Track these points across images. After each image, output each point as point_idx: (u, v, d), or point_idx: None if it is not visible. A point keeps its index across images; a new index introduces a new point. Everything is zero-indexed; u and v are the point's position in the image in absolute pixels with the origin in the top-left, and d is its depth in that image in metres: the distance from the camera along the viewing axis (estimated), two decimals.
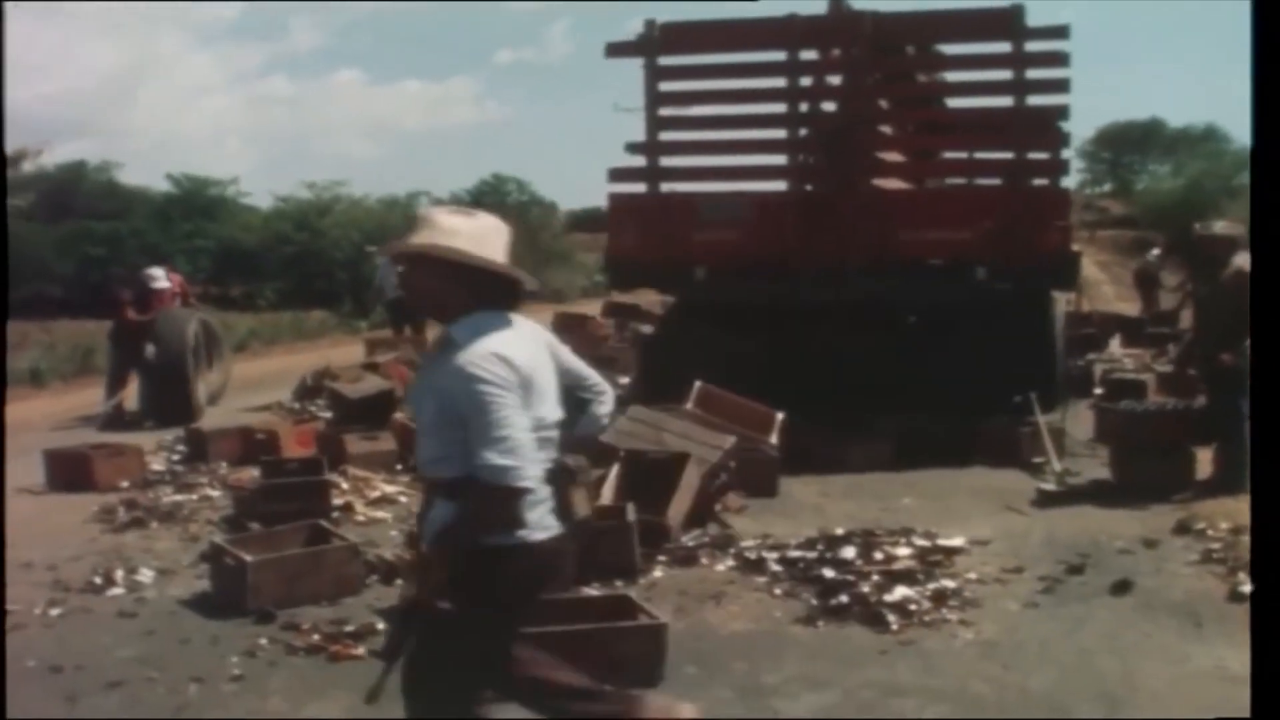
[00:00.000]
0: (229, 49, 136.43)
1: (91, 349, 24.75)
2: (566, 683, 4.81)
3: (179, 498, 11.19)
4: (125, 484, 11.76)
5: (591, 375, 4.90)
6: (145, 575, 8.70)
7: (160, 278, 17.93)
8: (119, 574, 8.69)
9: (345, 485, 10.82)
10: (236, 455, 12.63)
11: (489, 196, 54.73)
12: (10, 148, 22.55)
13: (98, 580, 8.57)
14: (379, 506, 10.54)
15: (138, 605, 8.08)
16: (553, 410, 4.55)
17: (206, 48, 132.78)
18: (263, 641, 7.18)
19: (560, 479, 4.54)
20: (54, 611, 7.96)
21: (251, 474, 11.43)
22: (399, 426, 12.57)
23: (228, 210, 51.31)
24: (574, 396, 4.79)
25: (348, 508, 10.28)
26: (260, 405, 16.38)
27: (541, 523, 4.46)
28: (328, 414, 14.57)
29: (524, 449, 4.29)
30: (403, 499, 10.73)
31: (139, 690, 6.57)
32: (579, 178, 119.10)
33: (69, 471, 11.98)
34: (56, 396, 20.79)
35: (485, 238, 4.51)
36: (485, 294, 4.49)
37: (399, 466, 11.82)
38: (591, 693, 4.84)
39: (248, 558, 7.83)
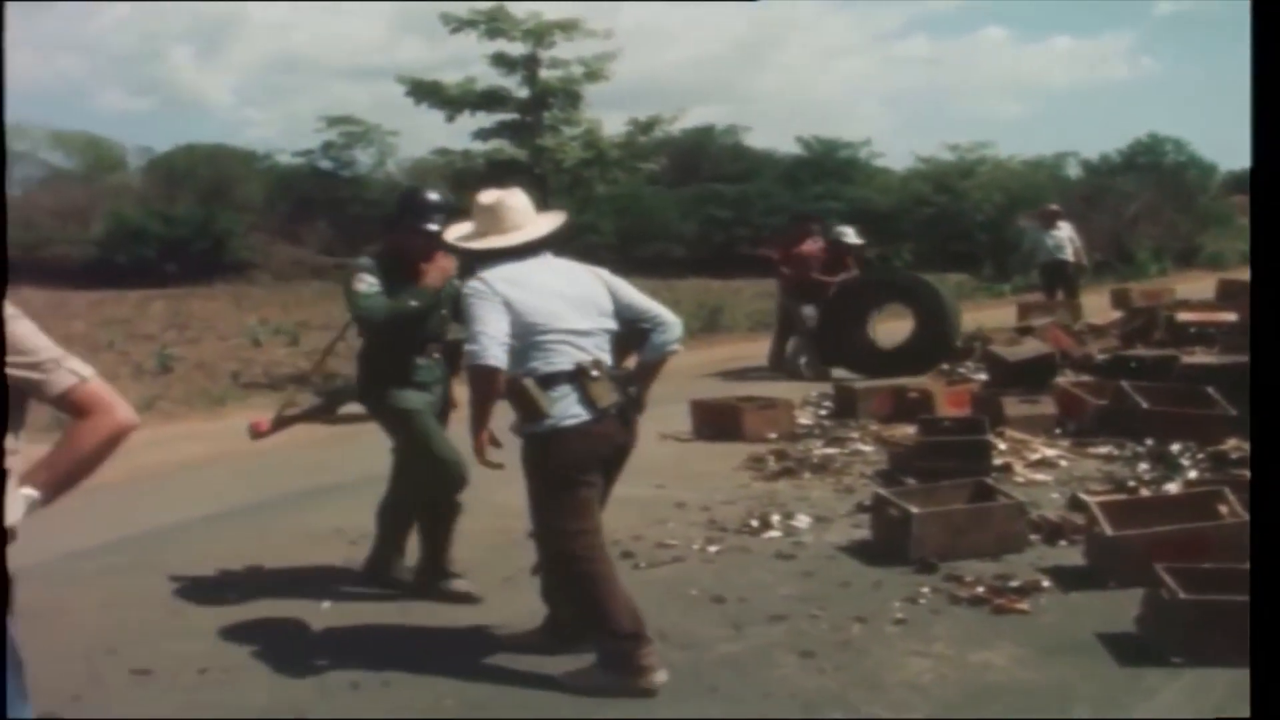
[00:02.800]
0: (869, 9, 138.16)
1: (718, 307, 25.88)
2: (615, 605, 5.93)
3: (829, 451, 11.56)
4: (773, 435, 12.27)
5: (652, 309, 6.29)
6: (801, 521, 9.09)
7: (850, 234, 18.29)
8: (775, 518, 9.13)
9: (1003, 446, 10.88)
10: (887, 413, 12.93)
11: (1143, 157, 53.41)
12: (643, 114, 24.24)
13: (754, 523, 9.04)
14: (1038, 469, 10.53)
15: (795, 548, 8.47)
16: (577, 321, 6.01)
17: (846, 9, 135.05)
18: (925, 590, 7.38)
19: (582, 376, 5.88)
20: (712, 548, 8.47)
21: (907, 431, 11.72)
22: (1060, 391, 12.55)
23: (860, 172, 52.22)
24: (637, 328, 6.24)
25: (1006, 468, 10.33)
26: None
27: (568, 412, 5.86)
28: (980, 375, 14.73)
29: (488, 339, 5.78)
30: (1063, 463, 10.72)
31: (802, 624, 6.91)
32: (1243, 136, 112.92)
33: (717, 421, 12.63)
34: (685, 351, 21.94)
35: (496, 218, 6.27)
36: (502, 254, 6.21)
37: (1058, 430, 11.80)
38: (627, 624, 5.90)
39: (913, 509, 8.07)
